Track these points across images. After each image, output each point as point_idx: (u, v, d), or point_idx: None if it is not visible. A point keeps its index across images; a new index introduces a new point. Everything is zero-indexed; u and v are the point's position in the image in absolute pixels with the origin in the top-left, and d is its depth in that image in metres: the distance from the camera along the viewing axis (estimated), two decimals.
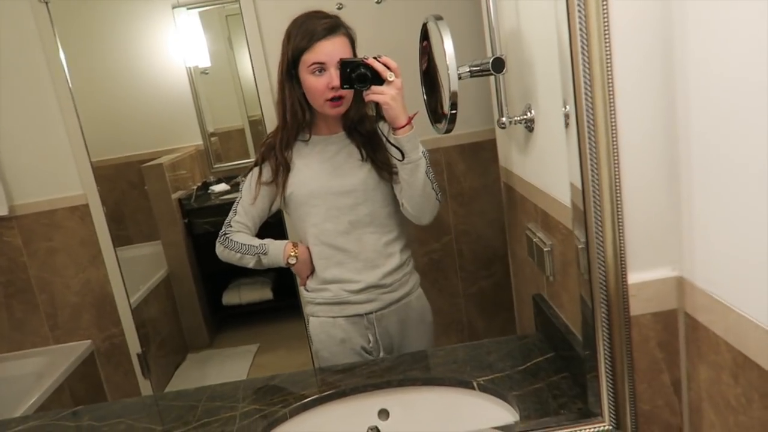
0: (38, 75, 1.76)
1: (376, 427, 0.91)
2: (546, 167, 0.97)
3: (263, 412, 0.96)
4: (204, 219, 2.76)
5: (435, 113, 1.06)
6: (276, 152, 1.18)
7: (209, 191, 2.96)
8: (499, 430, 0.75)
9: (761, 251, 0.52)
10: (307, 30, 1.11)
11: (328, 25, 1.11)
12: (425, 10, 1.63)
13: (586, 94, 0.61)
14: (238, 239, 1.22)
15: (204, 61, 3.03)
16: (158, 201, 2.62)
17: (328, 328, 1.22)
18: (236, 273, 2.96)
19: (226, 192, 2.94)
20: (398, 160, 1.08)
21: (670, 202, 0.66)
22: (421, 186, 1.10)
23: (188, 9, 2.82)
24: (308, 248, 1.21)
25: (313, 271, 1.22)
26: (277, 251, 1.20)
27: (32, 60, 1.76)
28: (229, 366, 2.56)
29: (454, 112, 0.91)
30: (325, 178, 1.18)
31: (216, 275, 2.92)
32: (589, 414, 0.71)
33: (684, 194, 0.65)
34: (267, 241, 1.23)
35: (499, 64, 0.91)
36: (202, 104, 3.00)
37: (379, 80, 1.02)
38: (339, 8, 1.70)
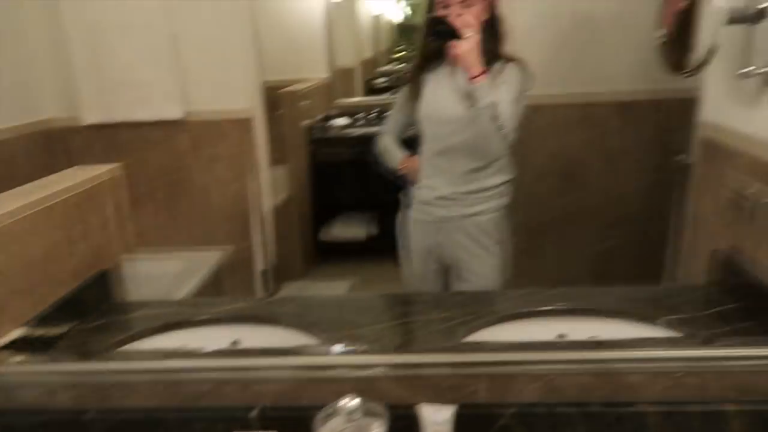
0: None
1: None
2: None
3: (460, 320, 1.11)
4: (325, 149, 3.01)
5: (673, 55, 1.14)
6: (413, 75, 1.53)
7: (330, 123, 3.21)
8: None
9: None
10: None
11: None
12: None
13: None
14: (384, 141, 1.67)
15: None
16: (289, 127, 2.86)
17: (408, 220, 1.62)
18: (342, 208, 3.24)
19: (347, 126, 3.19)
20: (471, 105, 1.35)
21: None
22: (483, 129, 1.36)
23: None
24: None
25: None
26: (395, 161, 1.64)
27: None
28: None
29: (707, 61, 0.99)
30: (432, 106, 1.50)
31: (324, 207, 3.17)
32: None
33: None
34: (394, 150, 1.65)
35: (761, 15, 0.97)
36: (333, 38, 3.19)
37: (458, 36, 1.30)
38: None
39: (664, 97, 1.87)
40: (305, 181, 3.00)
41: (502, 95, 1.36)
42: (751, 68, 1.03)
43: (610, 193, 2.10)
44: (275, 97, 2.82)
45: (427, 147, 1.55)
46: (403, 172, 1.62)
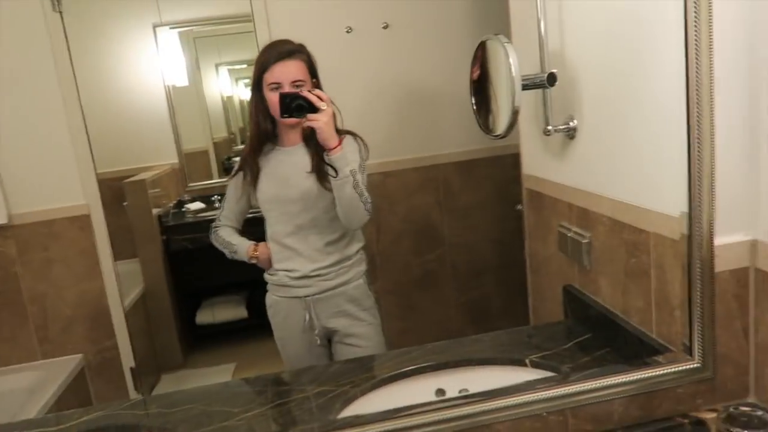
0: (43, 84, 1.88)
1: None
2: (588, 168, 1.18)
3: (335, 392, 1.11)
4: (181, 236, 2.90)
5: (485, 121, 1.28)
6: (248, 159, 1.50)
7: (184, 209, 3.13)
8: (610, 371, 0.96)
9: None
10: (266, 55, 1.43)
11: (284, 50, 1.42)
12: (429, 37, 2.03)
13: (698, 100, 0.85)
14: (222, 234, 1.59)
15: (181, 80, 3.25)
16: (138, 217, 2.74)
17: (275, 304, 1.58)
18: (210, 292, 3.14)
19: (202, 210, 3.12)
20: (332, 176, 1.37)
21: (748, 183, 0.91)
22: (348, 198, 1.39)
23: (170, 28, 3.08)
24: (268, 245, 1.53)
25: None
26: (242, 251, 1.56)
27: (38, 69, 1.87)
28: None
29: (513, 122, 1.13)
30: (276, 187, 1.48)
31: (190, 294, 3.06)
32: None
33: (762, 178, 0.90)
34: (238, 241, 1.57)
35: (552, 79, 1.12)
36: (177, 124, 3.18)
37: (314, 109, 1.32)
38: (348, 32, 2.03)
39: (499, 154, 2.08)
40: (161, 271, 2.84)
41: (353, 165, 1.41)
42: (550, 126, 1.20)
43: (464, 246, 2.24)
44: (120, 188, 2.71)
45: (275, 230, 1.52)
46: (253, 261, 1.56)
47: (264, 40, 1.91)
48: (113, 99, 2.96)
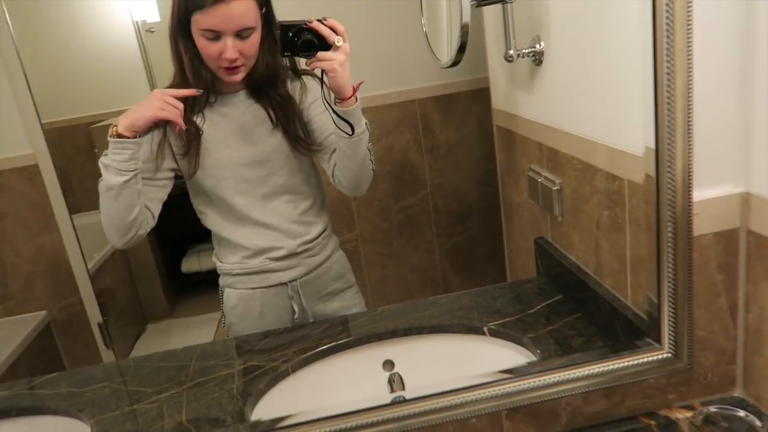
0: None
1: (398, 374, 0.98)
2: (558, 101, 0.96)
3: (263, 369, 0.98)
4: None
5: (435, 46, 1.05)
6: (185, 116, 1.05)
7: None
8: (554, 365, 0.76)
9: None
10: None
11: None
12: None
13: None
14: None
15: (153, 16, 2.95)
16: None
17: (244, 301, 1.21)
18: (194, 239, 2.92)
19: None
20: (346, 134, 1.04)
21: (739, 115, 0.68)
22: (361, 159, 1.08)
23: None
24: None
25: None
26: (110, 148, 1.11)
27: None
28: (193, 335, 2.57)
29: (464, 42, 0.90)
30: (233, 146, 1.12)
31: (173, 242, 2.87)
32: (633, 346, 0.74)
33: (757, 114, 0.67)
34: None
35: None
36: (151, 64, 2.96)
37: (326, 45, 0.97)
38: None
39: (481, 86, 1.82)
40: None
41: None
42: (512, 51, 0.97)
43: (447, 188, 2.05)
44: (89, 134, 2.54)
45: (235, 203, 1.15)
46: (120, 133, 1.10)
47: None
48: (76, 41, 2.73)
